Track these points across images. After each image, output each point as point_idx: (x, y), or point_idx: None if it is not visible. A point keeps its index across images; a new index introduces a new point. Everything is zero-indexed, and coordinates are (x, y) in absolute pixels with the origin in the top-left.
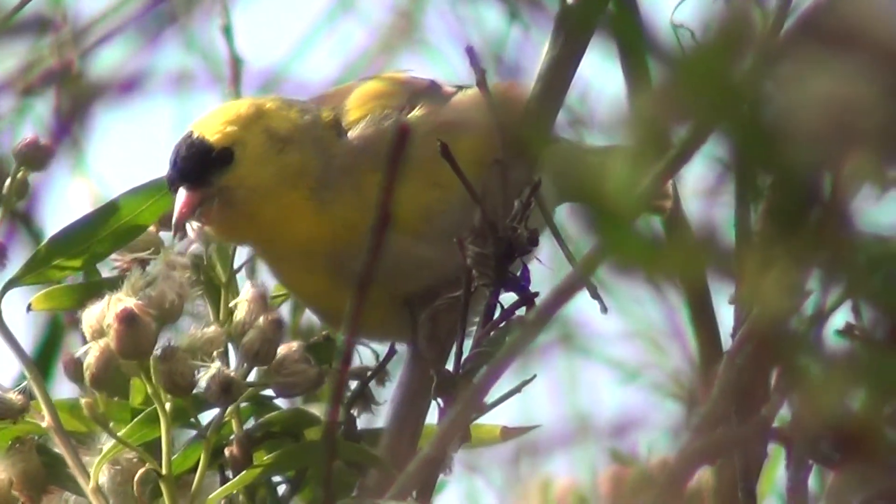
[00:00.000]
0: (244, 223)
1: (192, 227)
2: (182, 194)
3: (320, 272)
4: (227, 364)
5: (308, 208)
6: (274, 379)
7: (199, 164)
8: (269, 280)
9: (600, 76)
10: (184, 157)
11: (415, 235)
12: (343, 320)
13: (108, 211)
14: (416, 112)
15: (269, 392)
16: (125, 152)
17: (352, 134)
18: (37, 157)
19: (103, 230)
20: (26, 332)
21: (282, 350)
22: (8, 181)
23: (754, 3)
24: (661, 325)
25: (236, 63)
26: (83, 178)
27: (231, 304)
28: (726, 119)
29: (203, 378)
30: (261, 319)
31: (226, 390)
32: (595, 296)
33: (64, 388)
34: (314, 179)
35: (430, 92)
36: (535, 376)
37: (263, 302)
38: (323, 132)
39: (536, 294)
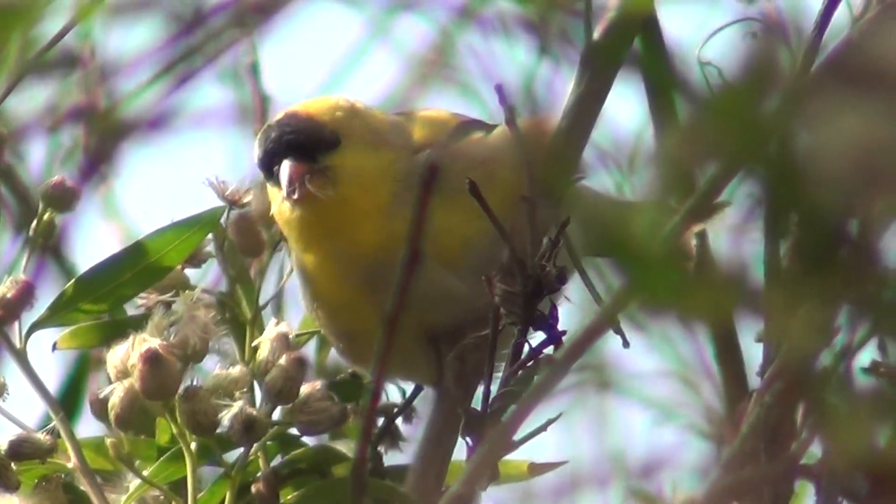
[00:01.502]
0: (333, 208)
1: (299, 193)
2: (287, 165)
3: (355, 281)
4: (253, 402)
5: (381, 213)
6: (297, 417)
7: (308, 140)
8: (293, 319)
9: (627, 113)
10: (293, 131)
11: (450, 266)
12: (360, 346)
13: (134, 252)
14: (459, 143)
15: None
16: (155, 190)
17: (418, 154)
18: (63, 198)
19: (129, 271)
20: (54, 368)
21: (305, 389)
22: (34, 223)
23: (783, 41)
24: (690, 363)
25: (263, 100)
26: (113, 217)
27: (254, 343)
28: (754, 158)
29: (226, 417)
30: (283, 358)
31: (248, 429)
32: (618, 331)
33: (91, 426)
34: (398, 183)
35: (476, 126)
36: (560, 415)
37: (286, 341)
38: (407, 140)
39: (564, 333)
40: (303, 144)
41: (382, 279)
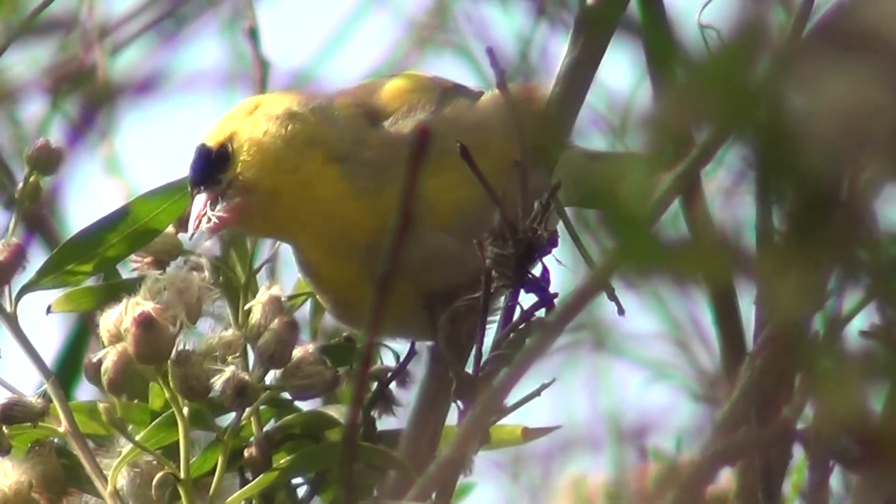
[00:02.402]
0: (269, 209)
1: (207, 226)
2: (198, 198)
3: (352, 260)
4: (246, 366)
5: (346, 194)
6: (289, 381)
7: (203, 168)
8: (287, 282)
9: (621, 77)
10: (192, 165)
11: (444, 228)
12: (358, 313)
13: (123, 214)
14: (449, 109)
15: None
16: (156, 150)
17: (389, 124)
18: (49, 160)
19: (118, 234)
20: (53, 334)
21: (298, 352)
22: (20, 186)
23: (774, 5)
24: (685, 325)
25: (262, 65)
26: (115, 174)
27: (246, 307)
28: (745, 121)
29: (218, 381)
30: (275, 322)
31: (240, 394)
32: (612, 298)
33: (91, 392)
34: (331, 149)
35: (458, 91)
36: (553, 380)
37: (278, 304)
38: (336, 109)
39: (556, 295)
40: (201, 174)
41: (369, 252)
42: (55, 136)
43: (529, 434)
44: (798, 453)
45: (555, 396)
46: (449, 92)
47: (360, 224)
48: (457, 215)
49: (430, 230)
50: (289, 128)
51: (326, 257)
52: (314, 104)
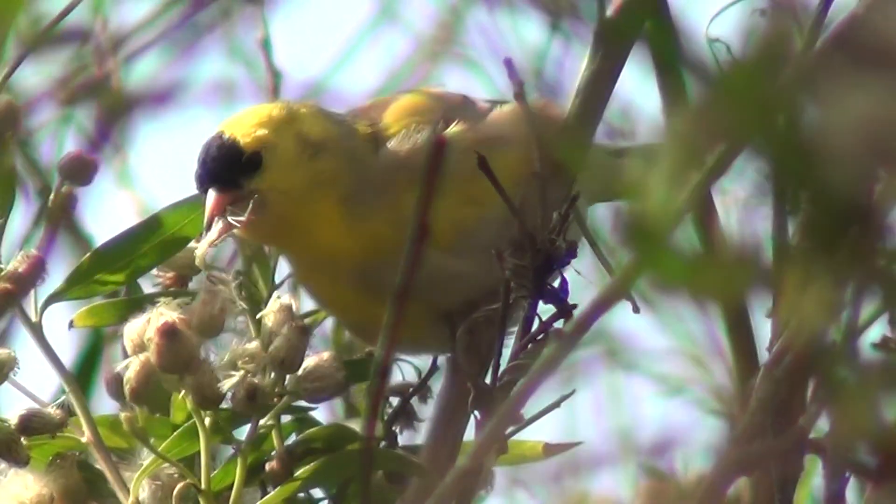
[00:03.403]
0: (274, 228)
1: (217, 227)
2: (212, 195)
3: (347, 284)
4: (264, 375)
5: (339, 219)
6: (302, 385)
7: (228, 167)
8: (306, 296)
9: (639, 90)
10: (214, 159)
11: (448, 250)
12: (371, 333)
13: (151, 225)
14: (453, 127)
15: (308, 406)
16: (169, 162)
17: (388, 148)
18: (81, 171)
19: (146, 244)
20: (68, 344)
21: (313, 359)
22: (52, 196)
23: (791, 18)
24: (700, 339)
25: (275, 75)
26: (128, 189)
27: (258, 316)
28: (763, 134)
29: (227, 386)
30: (286, 328)
31: (251, 398)
32: (628, 298)
33: (106, 404)
34: (346, 189)
35: (464, 107)
36: (574, 391)
37: (289, 311)
38: (358, 143)
39: (575, 306)
40: (223, 173)
41: (378, 276)
42: (69, 148)
43: (550, 450)
44: (814, 464)
45: (569, 411)
46: (456, 109)
47: (346, 248)
48: (459, 236)
49: (433, 251)
50: (320, 163)
51: (318, 278)
52: (344, 136)
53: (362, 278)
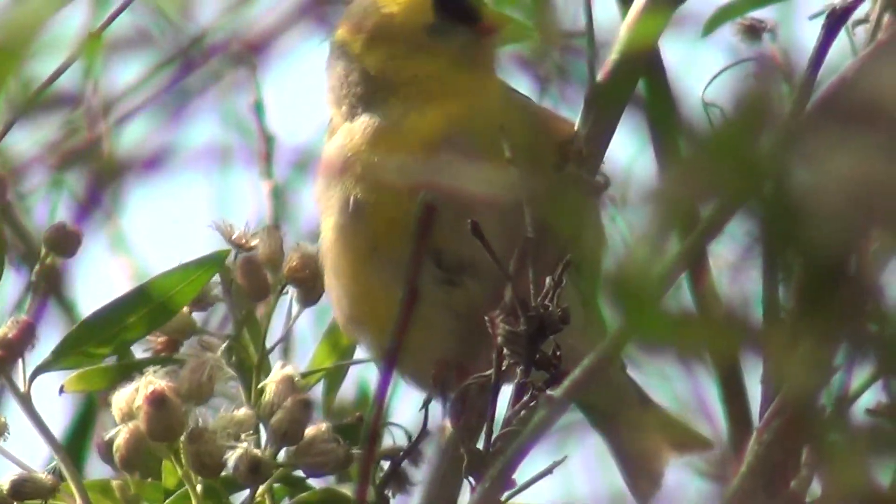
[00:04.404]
0: None
1: None
2: None
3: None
4: (259, 444)
5: None
6: (302, 459)
7: None
8: (300, 362)
9: (630, 154)
10: None
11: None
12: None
13: (140, 294)
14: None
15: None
16: (162, 227)
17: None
18: (65, 242)
19: (135, 313)
20: (61, 409)
21: (311, 431)
22: (37, 266)
23: (781, 81)
24: (691, 402)
25: (267, 139)
26: (120, 254)
27: (259, 386)
28: (752, 196)
29: (231, 458)
30: (289, 400)
31: (254, 470)
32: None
33: (101, 467)
34: None
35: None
36: (565, 458)
37: (292, 383)
38: None
39: (567, 372)
40: None
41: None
42: (61, 213)
43: None
44: None
45: (560, 472)
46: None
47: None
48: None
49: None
50: None
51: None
52: None
53: None
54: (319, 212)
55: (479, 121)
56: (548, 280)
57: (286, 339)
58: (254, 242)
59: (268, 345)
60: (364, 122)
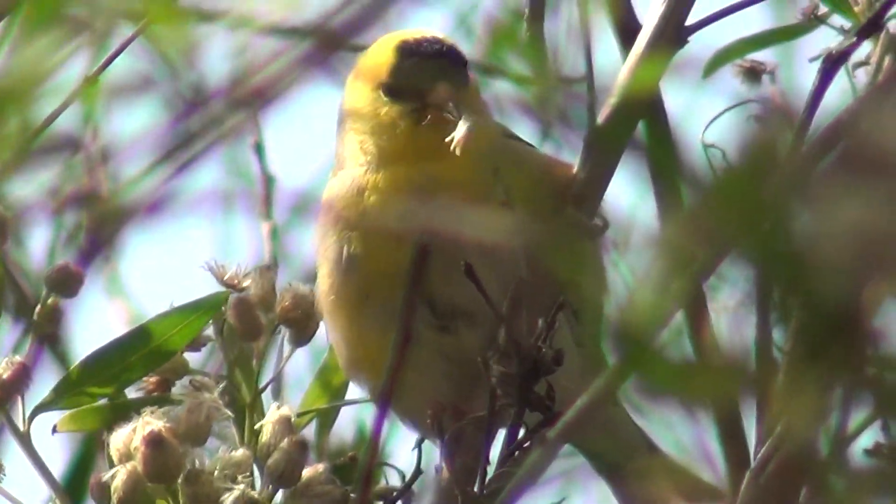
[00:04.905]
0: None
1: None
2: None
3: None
4: (253, 485)
5: None
6: (299, 501)
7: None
8: (293, 402)
9: (630, 197)
10: (452, 48)
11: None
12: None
13: (138, 336)
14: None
15: None
16: (160, 271)
17: None
18: (67, 282)
19: (133, 355)
20: (60, 451)
21: (307, 472)
22: (38, 307)
23: (783, 125)
24: (689, 445)
25: (268, 181)
26: (118, 296)
27: (256, 427)
28: (751, 241)
29: (228, 500)
30: (285, 441)
31: None
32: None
33: None
34: None
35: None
36: (563, 500)
37: (288, 424)
38: None
39: (560, 414)
40: (461, 64)
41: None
42: (60, 258)
43: None
44: None
45: None
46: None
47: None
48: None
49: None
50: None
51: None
52: None
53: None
54: (316, 258)
55: (472, 166)
56: (540, 322)
57: (278, 380)
58: (246, 283)
59: (260, 385)
60: (355, 171)
